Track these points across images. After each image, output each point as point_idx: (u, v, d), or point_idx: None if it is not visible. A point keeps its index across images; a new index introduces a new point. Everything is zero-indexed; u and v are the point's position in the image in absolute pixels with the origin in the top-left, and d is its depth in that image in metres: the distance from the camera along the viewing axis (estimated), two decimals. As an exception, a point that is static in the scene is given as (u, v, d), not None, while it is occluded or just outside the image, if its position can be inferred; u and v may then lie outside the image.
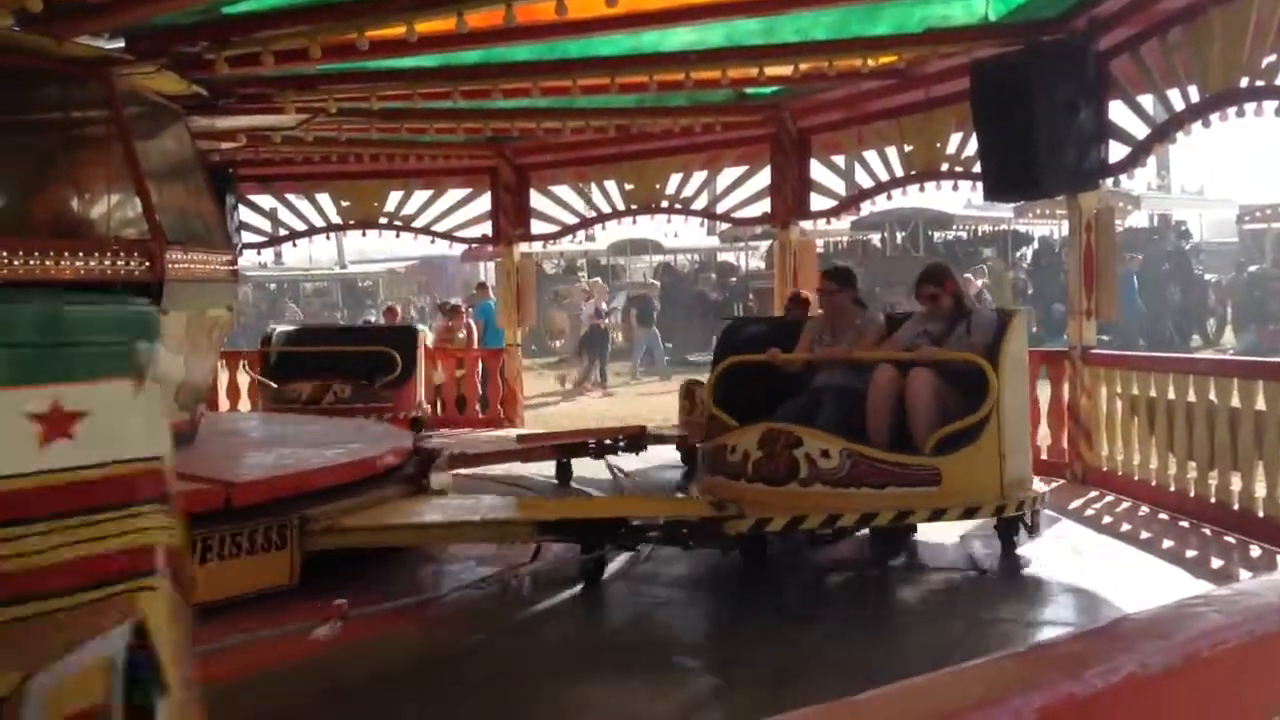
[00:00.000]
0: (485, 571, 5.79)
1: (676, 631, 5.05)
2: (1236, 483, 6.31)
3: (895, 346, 6.06)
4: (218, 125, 8.30)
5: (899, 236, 26.08)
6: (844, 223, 19.87)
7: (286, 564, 5.08)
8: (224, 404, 11.90)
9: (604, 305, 22.38)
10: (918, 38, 7.55)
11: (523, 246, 12.36)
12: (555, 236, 12.67)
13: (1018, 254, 26.73)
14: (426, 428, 10.67)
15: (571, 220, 12.14)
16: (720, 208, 11.45)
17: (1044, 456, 7.88)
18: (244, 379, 12.05)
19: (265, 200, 12.51)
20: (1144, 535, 6.37)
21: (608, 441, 8.74)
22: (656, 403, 16.55)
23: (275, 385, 10.75)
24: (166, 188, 6.46)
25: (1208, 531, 6.28)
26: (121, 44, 6.27)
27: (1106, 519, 6.83)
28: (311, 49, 6.26)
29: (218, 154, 9.83)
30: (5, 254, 5.15)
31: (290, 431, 7.61)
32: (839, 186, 10.52)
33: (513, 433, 10.89)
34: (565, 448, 8.64)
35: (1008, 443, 5.55)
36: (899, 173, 9.43)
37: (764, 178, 10.75)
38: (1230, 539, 6.10)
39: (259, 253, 14.01)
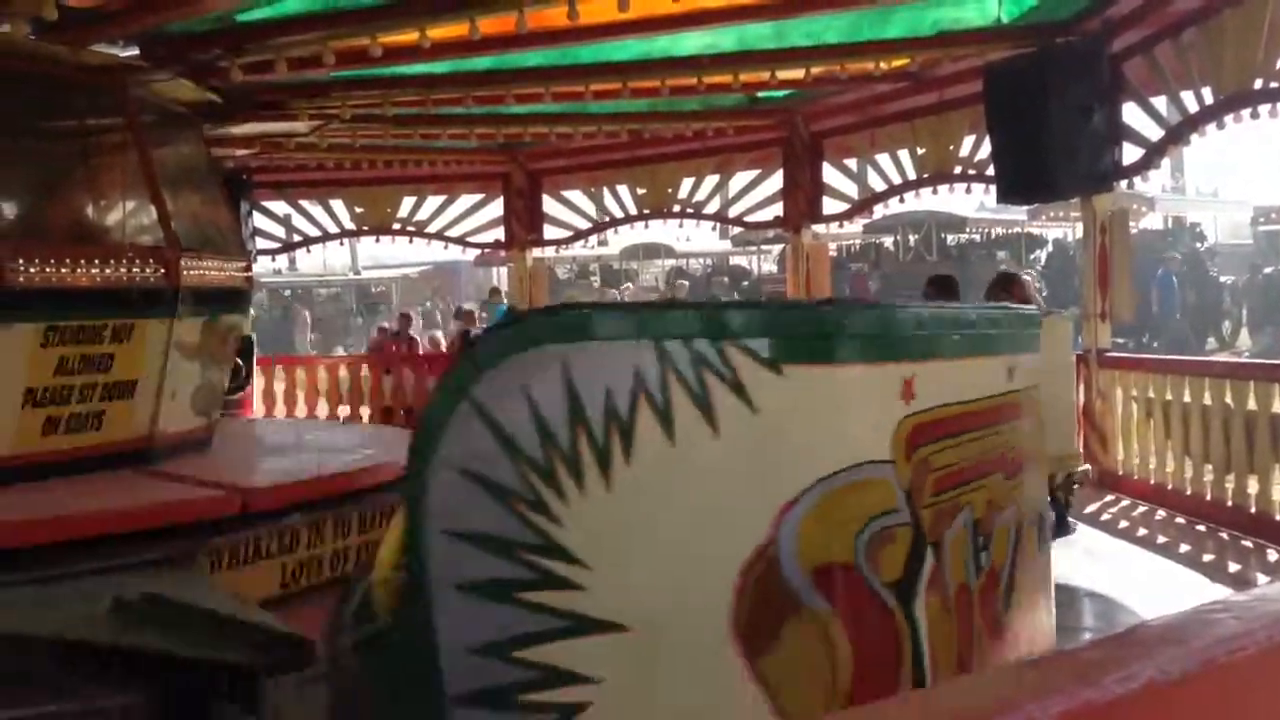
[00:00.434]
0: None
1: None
2: (1254, 486, 6.28)
3: None
4: (232, 132, 8.33)
5: (912, 239, 26.04)
6: (856, 226, 19.83)
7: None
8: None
9: None
10: (930, 41, 7.54)
11: (535, 251, 12.39)
12: (568, 241, 12.68)
13: (1031, 256, 26.66)
14: None
15: (584, 225, 12.16)
16: (732, 212, 11.46)
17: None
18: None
19: (279, 206, 12.56)
20: (1161, 539, 6.34)
21: None
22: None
23: None
24: (181, 195, 6.48)
25: (1225, 536, 6.25)
26: (136, 51, 6.30)
27: (1123, 523, 6.80)
28: (325, 56, 6.29)
29: (232, 160, 9.86)
30: (22, 261, 5.18)
31: (300, 436, 7.62)
32: (851, 190, 10.51)
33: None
34: None
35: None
36: (912, 175, 9.42)
37: (776, 181, 10.76)
38: (1248, 543, 6.07)
39: (273, 259, 14.07)
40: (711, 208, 11.31)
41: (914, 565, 2.01)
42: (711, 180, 11.15)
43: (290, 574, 5.03)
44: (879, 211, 11.57)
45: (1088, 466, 6.05)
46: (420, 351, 14.04)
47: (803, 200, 10.37)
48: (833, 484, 1.92)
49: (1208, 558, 5.90)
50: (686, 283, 26.63)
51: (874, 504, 1.97)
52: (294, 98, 7.78)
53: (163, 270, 5.74)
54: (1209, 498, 6.56)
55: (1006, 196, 8.05)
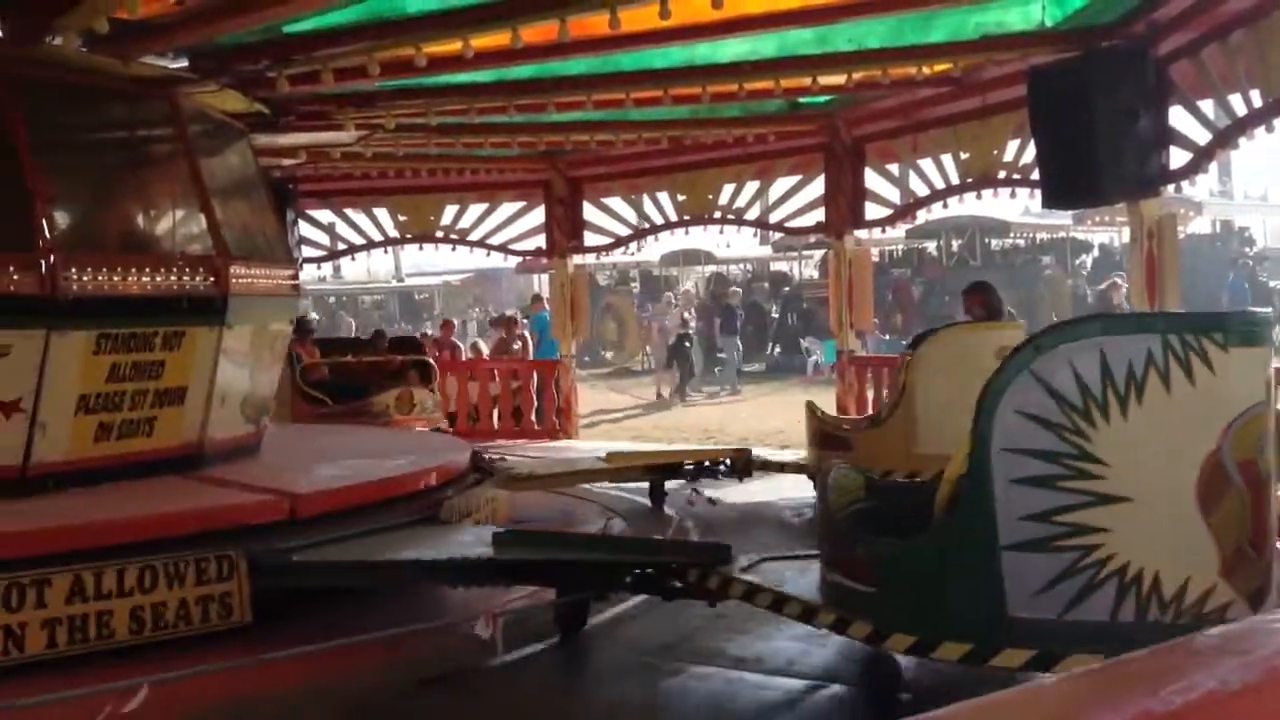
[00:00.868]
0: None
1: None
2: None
3: None
4: (278, 142, 8.44)
5: (955, 245, 25.82)
6: (898, 231, 19.71)
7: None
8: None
9: (687, 315, 22.29)
10: (973, 45, 7.49)
11: (576, 258, 12.43)
12: (608, 249, 12.71)
13: (1077, 262, 26.36)
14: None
15: (624, 232, 12.18)
16: (773, 217, 11.43)
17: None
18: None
19: (323, 214, 12.70)
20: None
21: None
22: (727, 413, 16.52)
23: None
24: (230, 204, 6.58)
25: None
26: (186, 63, 6.40)
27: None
28: (370, 66, 6.35)
29: (278, 170, 9.99)
30: (75, 270, 5.27)
31: (347, 443, 7.69)
32: (894, 195, 10.46)
33: (567, 445, 10.89)
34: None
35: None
36: (955, 180, 9.34)
37: (817, 187, 10.71)
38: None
39: (318, 267, 14.21)
40: (752, 214, 11.29)
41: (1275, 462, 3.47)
42: (752, 186, 11.13)
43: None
44: (921, 216, 11.52)
45: None
46: (463, 359, 14.11)
47: (845, 205, 10.32)
48: (1247, 415, 3.30)
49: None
50: (739, 289, 26.46)
51: (1264, 428, 3.38)
52: (340, 107, 7.86)
53: (212, 278, 5.82)
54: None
55: (1052, 201, 7.96)
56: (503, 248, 12.59)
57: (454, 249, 12.64)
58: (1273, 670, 0.89)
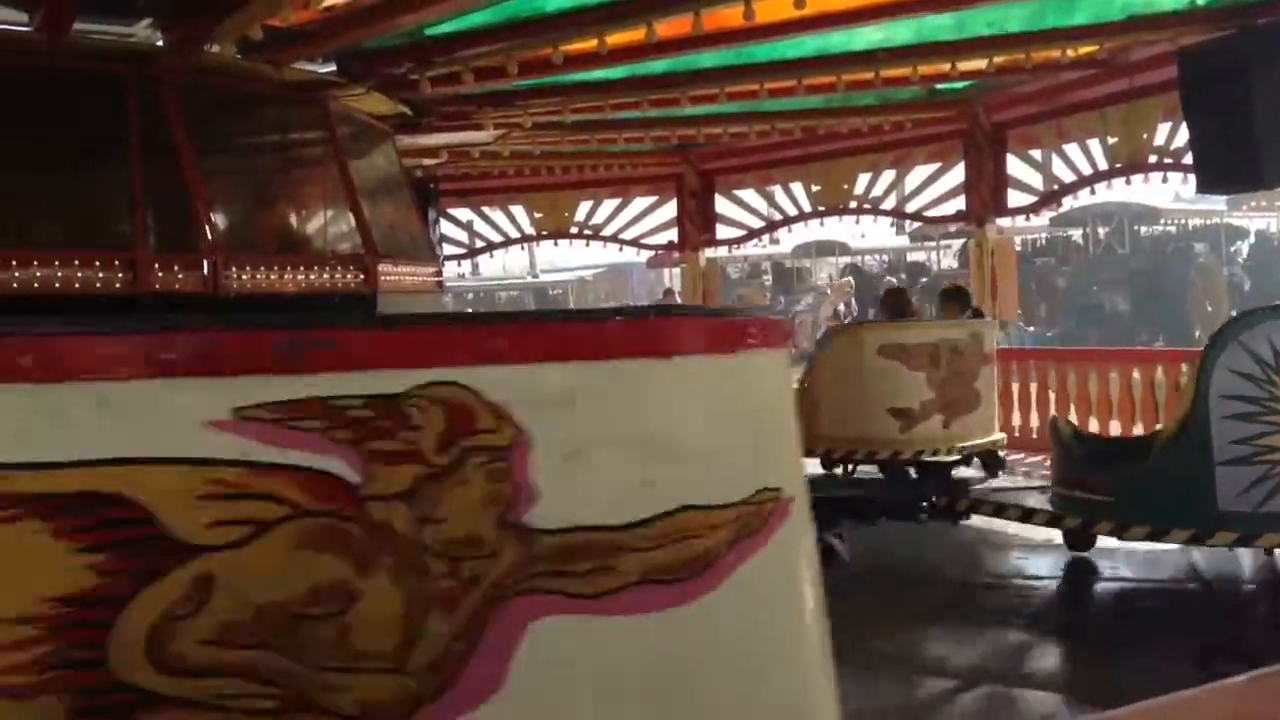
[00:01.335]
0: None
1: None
2: None
3: None
4: (421, 142, 8.68)
5: (1101, 233, 24.91)
6: (1042, 219, 19.09)
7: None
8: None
9: (843, 307, 21.96)
10: (1119, 26, 7.22)
11: (708, 251, 12.44)
12: (740, 241, 12.70)
13: (1232, 249, 25.17)
14: None
15: (756, 224, 12.14)
16: (910, 207, 11.23)
17: None
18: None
19: (462, 213, 13.00)
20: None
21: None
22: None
23: None
24: (377, 204, 6.81)
25: None
26: (333, 68, 6.65)
27: None
28: (509, 66, 6.49)
29: (421, 170, 10.27)
30: (234, 269, 5.54)
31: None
32: (1037, 182, 10.17)
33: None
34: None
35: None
36: (1103, 166, 9.04)
37: (957, 174, 10.49)
38: None
39: (458, 264, 14.56)
40: (888, 203, 11.12)
41: None
42: (888, 175, 10.97)
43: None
44: (1067, 203, 11.17)
45: None
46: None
47: (985, 193, 10.08)
48: None
49: None
50: (891, 279, 25.85)
51: None
52: (479, 107, 8.04)
53: (363, 276, 6.04)
54: None
55: (1206, 186, 7.64)
56: (635, 242, 12.69)
57: (588, 244, 12.80)
58: None
